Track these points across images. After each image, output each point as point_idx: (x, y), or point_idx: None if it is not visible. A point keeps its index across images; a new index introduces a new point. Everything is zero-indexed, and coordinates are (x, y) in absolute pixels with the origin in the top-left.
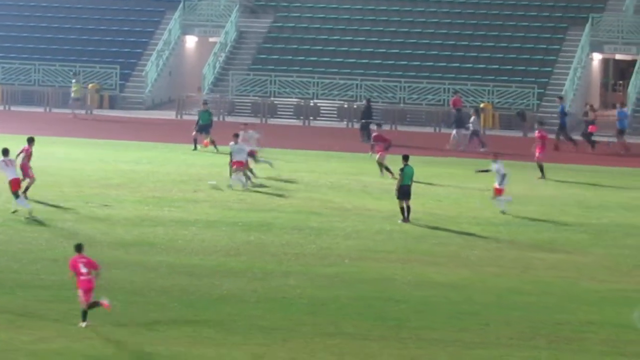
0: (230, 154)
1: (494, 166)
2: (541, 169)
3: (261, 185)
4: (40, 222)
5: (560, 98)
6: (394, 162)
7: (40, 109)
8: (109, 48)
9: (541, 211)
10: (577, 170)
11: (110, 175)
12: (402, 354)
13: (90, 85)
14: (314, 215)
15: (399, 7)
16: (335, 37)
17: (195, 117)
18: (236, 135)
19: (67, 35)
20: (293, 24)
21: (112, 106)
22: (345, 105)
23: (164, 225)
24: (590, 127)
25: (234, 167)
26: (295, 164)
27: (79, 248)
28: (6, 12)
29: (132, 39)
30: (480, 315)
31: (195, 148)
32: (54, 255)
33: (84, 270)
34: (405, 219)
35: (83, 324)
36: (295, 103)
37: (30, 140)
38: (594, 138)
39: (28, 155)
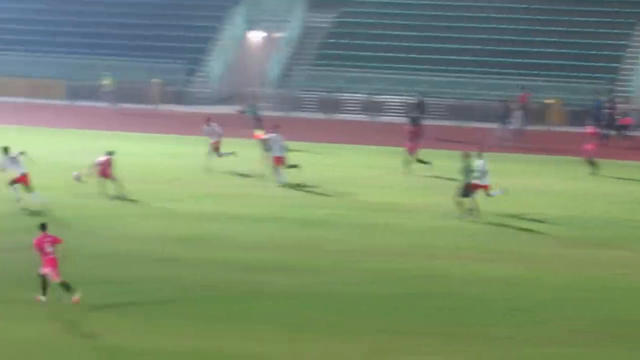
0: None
1: (479, 162)
2: (593, 164)
3: (299, 185)
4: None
5: (598, 93)
6: (455, 158)
7: (105, 105)
8: (175, 43)
9: (603, 208)
10: (633, 167)
11: (172, 170)
12: (466, 351)
13: (154, 81)
14: (370, 212)
15: (468, 3)
16: (401, 33)
17: (259, 114)
18: (208, 119)
19: (133, 31)
20: (358, 19)
21: (178, 101)
22: (413, 101)
23: (219, 221)
24: (620, 119)
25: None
26: (356, 158)
27: (43, 227)
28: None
29: (197, 35)
30: (535, 313)
31: None
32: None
33: (49, 249)
34: (467, 214)
35: (43, 298)
36: (361, 99)
37: (110, 153)
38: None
39: (106, 163)
